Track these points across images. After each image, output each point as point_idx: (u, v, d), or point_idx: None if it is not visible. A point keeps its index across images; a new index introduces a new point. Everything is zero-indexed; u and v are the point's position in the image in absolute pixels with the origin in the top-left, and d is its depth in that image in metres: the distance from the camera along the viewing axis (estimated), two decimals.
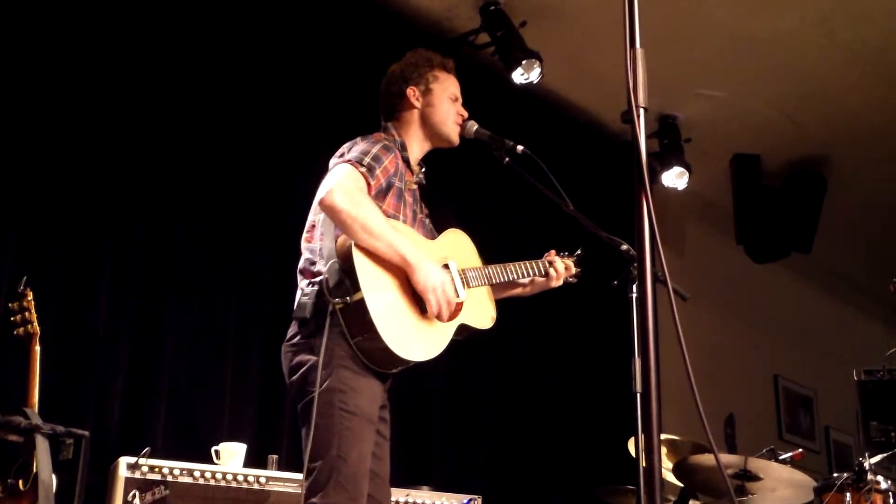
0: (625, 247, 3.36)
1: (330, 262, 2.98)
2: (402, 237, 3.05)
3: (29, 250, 4.19)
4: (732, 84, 6.64)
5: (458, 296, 3.19)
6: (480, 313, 3.32)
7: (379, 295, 2.95)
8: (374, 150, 3.12)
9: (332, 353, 2.95)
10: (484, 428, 5.88)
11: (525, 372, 6.21)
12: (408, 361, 3.02)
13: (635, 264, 2.92)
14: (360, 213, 2.93)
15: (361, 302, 2.90)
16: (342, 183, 2.96)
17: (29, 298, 3.64)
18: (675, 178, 6.83)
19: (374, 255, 2.99)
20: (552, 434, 6.24)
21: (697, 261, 7.80)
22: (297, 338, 3.08)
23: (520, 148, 3.38)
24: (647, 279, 1.99)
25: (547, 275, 3.56)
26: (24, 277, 3.69)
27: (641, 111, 2.05)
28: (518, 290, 3.62)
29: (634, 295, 3.15)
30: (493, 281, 3.38)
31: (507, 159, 3.40)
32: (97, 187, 4.49)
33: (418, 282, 3.01)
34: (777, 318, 8.68)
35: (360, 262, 2.94)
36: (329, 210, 2.97)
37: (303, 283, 3.13)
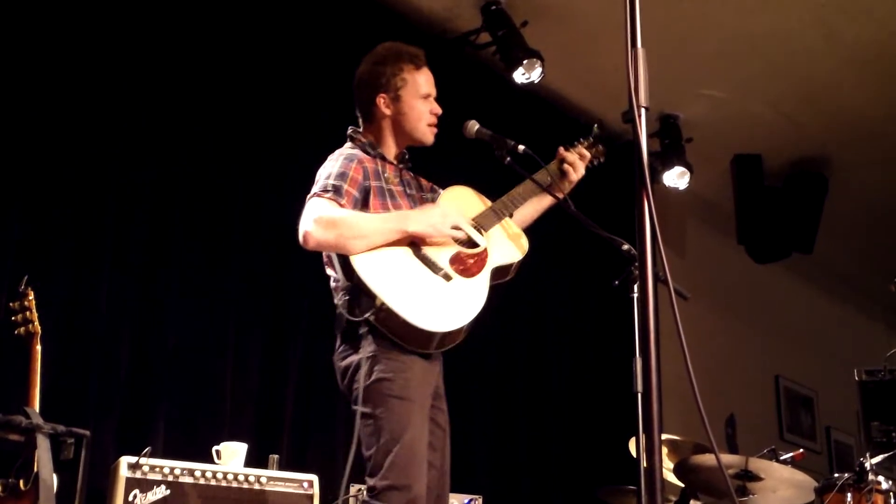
0: (626, 247, 3.35)
1: (344, 285, 3.06)
2: (393, 214, 3.12)
3: (29, 250, 4.19)
4: (734, 84, 6.64)
5: (476, 246, 3.22)
6: (508, 249, 3.33)
7: (396, 289, 2.98)
8: (337, 168, 3.16)
9: (375, 348, 3.00)
10: (485, 428, 5.88)
11: (526, 372, 6.21)
12: (457, 331, 3.06)
13: (636, 264, 2.92)
14: (340, 230, 3.00)
15: (383, 305, 2.95)
16: (312, 218, 3.03)
17: (30, 298, 3.64)
18: (676, 178, 6.83)
19: (375, 257, 3.02)
20: (553, 434, 6.24)
21: (698, 261, 7.80)
22: (342, 347, 3.14)
23: (521, 147, 3.37)
24: (648, 279, 1.99)
25: (564, 174, 3.52)
26: (25, 277, 3.69)
27: (643, 111, 2.04)
28: (547, 202, 3.58)
29: (635, 295, 3.15)
30: (507, 214, 3.39)
31: (508, 159, 3.39)
32: (97, 187, 4.49)
33: (426, 233, 3.08)
34: (778, 318, 8.68)
35: (365, 272, 2.99)
36: (316, 248, 3.06)
37: (336, 298, 3.17)
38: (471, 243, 3.22)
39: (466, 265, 3.17)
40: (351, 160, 3.20)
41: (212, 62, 4.99)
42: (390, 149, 3.38)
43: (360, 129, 3.40)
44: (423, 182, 3.47)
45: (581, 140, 3.66)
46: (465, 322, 3.07)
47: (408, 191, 3.32)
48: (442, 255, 3.14)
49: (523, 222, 3.55)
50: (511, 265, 3.30)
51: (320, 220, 3.01)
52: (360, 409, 2.97)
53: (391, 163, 3.34)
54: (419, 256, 3.11)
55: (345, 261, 3.04)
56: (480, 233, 3.27)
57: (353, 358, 3.05)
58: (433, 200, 3.38)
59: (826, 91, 6.70)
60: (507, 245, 3.34)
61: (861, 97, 6.74)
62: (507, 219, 3.40)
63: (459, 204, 3.34)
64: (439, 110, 3.42)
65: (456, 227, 3.16)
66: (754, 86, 6.66)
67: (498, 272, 3.25)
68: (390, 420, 2.94)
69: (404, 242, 3.10)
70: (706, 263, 7.87)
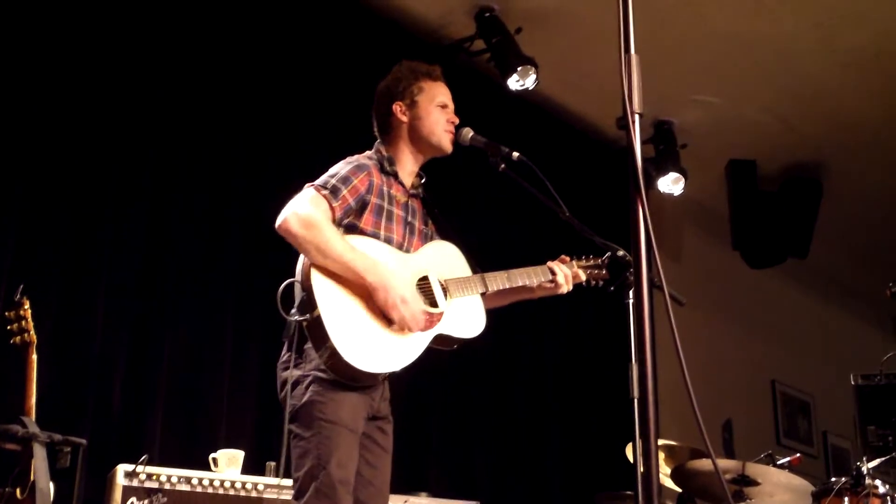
0: (621, 253, 3.36)
1: (297, 283, 3.07)
2: (362, 256, 3.07)
3: (26, 259, 4.19)
4: (728, 90, 6.65)
5: (435, 306, 3.19)
6: (466, 322, 3.28)
7: (337, 311, 2.99)
8: (344, 171, 3.16)
9: (312, 367, 3.03)
10: (482, 434, 5.88)
11: (523, 378, 6.21)
12: (372, 374, 3.04)
13: (632, 270, 2.93)
14: (314, 235, 3.00)
15: (318, 318, 2.96)
16: (298, 208, 3.04)
17: (26, 307, 3.64)
18: (670, 184, 6.84)
19: (335, 275, 3.03)
20: (550, 439, 6.24)
21: (694, 266, 7.81)
22: (286, 356, 3.14)
23: (515, 154, 3.38)
24: (643, 285, 1.99)
25: (553, 281, 3.49)
26: (21, 286, 3.69)
27: (637, 117, 2.05)
28: (525, 295, 3.57)
29: (631, 301, 3.15)
30: (480, 290, 3.35)
31: (502, 166, 3.39)
32: (94, 195, 4.49)
33: (379, 300, 3.03)
34: (774, 323, 8.69)
35: (318, 281, 3.00)
36: (286, 235, 3.04)
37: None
38: (432, 302, 3.20)
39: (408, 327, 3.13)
40: (360, 170, 3.20)
41: (209, 70, 5.00)
42: (406, 166, 3.38)
43: (383, 146, 3.40)
44: (426, 222, 3.45)
45: (589, 256, 3.59)
46: (383, 370, 3.08)
47: (408, 219, 3.32)
48: None
49: (494, 303, 3.52)
50: (458, 339, 3.26)
51: (304, 214, 3.02)
52: (293, 428, 3.03)
53: (401, 184, 3.34)
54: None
55: (305, 264, 3.05)
56: (445, 296, 3.24)
57: (294, 373, 3.06)
58: (427, 237, 3.40)
59: (821, 96, 6.71)
60: (465, 319, 3.28)
61: (856, 102, 6.76)
62: (477, 295, 3.36)
63: (442, 260, 3.33)
64: (456, 119, 3.42)
65: (412, 316, 3.07)
66: (749, 91, 6.68)
67: (443, 339, 3.22)
68: (318, 444, 2.97)
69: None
70: (701, 269, 7.88)
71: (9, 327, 3.61)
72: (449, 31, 5.98)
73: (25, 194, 4.28)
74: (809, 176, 7.58)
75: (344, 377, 3.02)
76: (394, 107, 3.38)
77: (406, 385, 5.38)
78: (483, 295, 3.41)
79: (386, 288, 3.03)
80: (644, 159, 2.02)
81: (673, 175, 6.79)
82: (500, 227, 6.12)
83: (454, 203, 5.87)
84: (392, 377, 3.24)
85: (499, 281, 3.39)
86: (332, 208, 3.07)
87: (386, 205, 3.24)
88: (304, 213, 3.02)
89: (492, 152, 3.40)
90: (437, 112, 3.38)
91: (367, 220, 3.18)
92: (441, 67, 3.51)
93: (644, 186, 2.00)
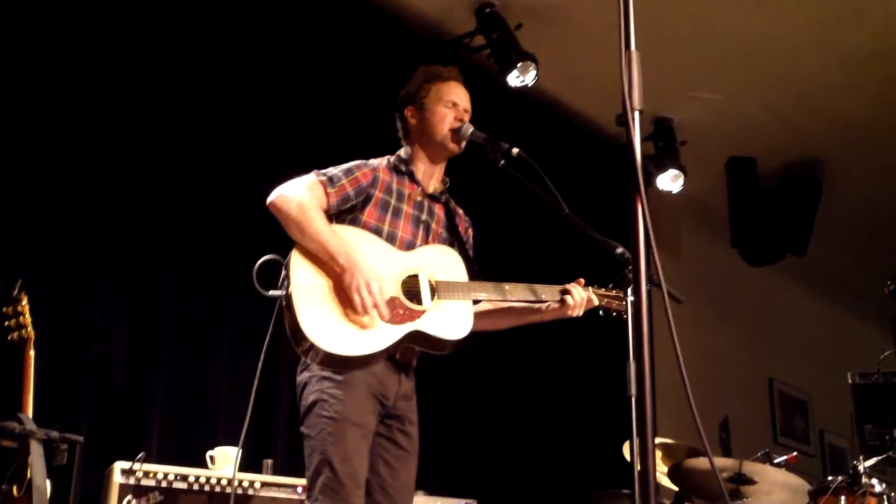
0: (620, 250, 3.35)
1: (283, 263, 3.12)
2: (338, 239, 3.08)
3: (23, 255, 4.19)
4: (727, 87, 6.65)
5: (419, 304, 3.16)
6: (449, 324, 3.21)
7: (308, 291, 3.04)
8: (349, 164, 3.25)
9: (314, 368, 3.08)
10: (479, 432, 5.88)
11: (520, 376, 6.21)
12: (337, 356, 3.01)
13: (630, 267, 2.92)
14: (297, 213, 3.07)
15: (289, 296, 3.01)
16: (291, 187, 3.13)
17: (23, 303, 3.63)
18: (670, 181, 6.84)
19: (315, 256, 3.09)
20: (548, 438, 6.24)
21: (692, 264, 7.81)
22: (301, 361, 3.17)
23: (515, 150, 3.37)
24: (641, 282, 1.98)
25: (563, 302, 3.43)
26: (19, 282, 3.69)
27: (636, 114, 2.04)
28: (531, 318, 3.52)
29: (629, 298, 3.15)
30: (471, 297, 3.30)
31: (502, 162, 3.39)
32: (92, 192, 4.49)
33: (345, 281, 3.04)
34: (772, 321, 8.69)
35: (297, 262, 3.08)
36: (272, 209, 3.13)
37: None
38: (417, 299, 3.17)
39: (395, 313, 3.11)
40: (366, 165, 3.30)
41: (207, 67, 4.99)
42: (421, 167, 3.41)
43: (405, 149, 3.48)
44: (448, 229, 3.44)
45: (610, 287, 3.51)
46: (343, 352, 3.02)
47: (423, 217, 3.34)
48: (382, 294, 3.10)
49: (498, 323, 3.53)
50: (436, 338, 3.17)
51: (294, 193, 3.11)
52: (302, 429, 3.08)
53: (417, 183, 3.36)
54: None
55: (290, 243, 3.10)
56: (433, 296, 3.20)
57: (304, 376, 3.14)
58: (444, 242, 3.41)
59: (820, 94, 6.71)
60: (448, 321, 3.21)
61: (855, 100, 6.75)
62: (469, 302, 3.30)
63: (438, 262, 3.29)
64: (463, 116, 3.43)
65: (374, 303, 3.04)
66: (748, 89, 6.67)
67: (420, 337, 3.15)
68: (323, 441, 3.00)
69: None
70: (700, 266, 7.88)
71: (7, 323, 3.60)
72: (449, 27, 5.97)
73: (24, 190, 4.27)
74: (809, 173, 7.58)
75: (325, 362, 3.03)
76: (406, 111, 3.48)
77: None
78: (476, 303, 3.37)
79: (353, 272, 3.03)
80: (643, 156, 2.01)
81: (672, 172, 6.79)
82: (499, 225, 6.10)
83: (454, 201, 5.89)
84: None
85: (501, 294, 3.34)
86: (326, 194, 3.15)
87: (394, 201, 3.28)
88: (295, 192, 3.12)
89: (491, 148, 3.40)
90: (443, 110, 3.42)
91: (370, 214, 3.23)
92: (458, 68, 3.57)
93: (643, 183, 2.00)
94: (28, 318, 3.62)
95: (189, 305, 4.68)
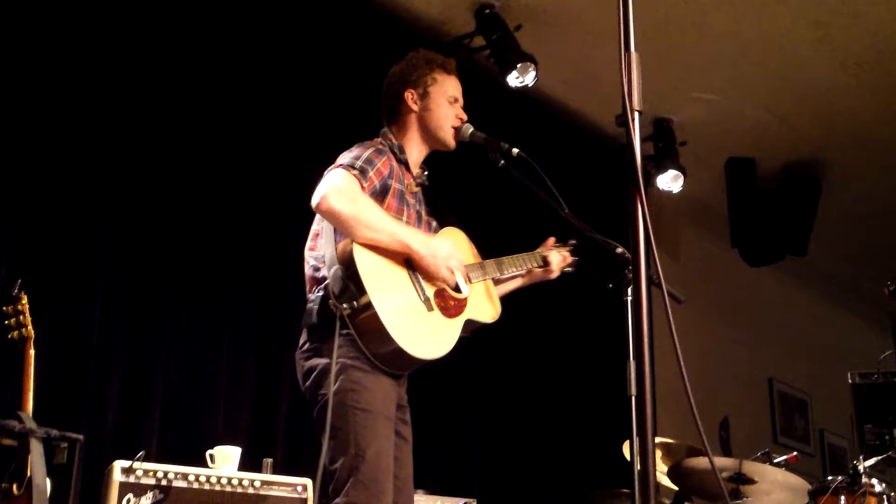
0: (620, 250, 3.36)
1: (333, 269, 2.98)
2: (406, 226, 3.09)
3: (23, 254, 4.18)
4: (727, 88, 6.65)
5: (459, 292, 3.21)
6: (484, 307, 3.32)
7: (386, 296, 2.95)
8: (367, 153, 3.12)
9: (341, 355, 2.94)
10: (479, 431, 5.88)
11: (520, 375, 6.21)
12: (421, 360, 3.01)
13: (630, 267, 2.92)
14: (358, 209, 2.95)
15: (369, 305, 2.90)
16: (336, 185, 2.98)
17: (23, 302, 3.63)
18: (669, 182, 6.84)
19: (376, 256, 2.99)
20: (547, 437, 6.24)
21: (692, 264, 7.81)
22: (307, 344, 3.09)
23: (515, 151, 3.37)
24: (641, 282, 1.99)
25: (546, 264, 3.59)
26: (19, 281, 3.68)
27: (636, 114, 2.05)
28: (518, 283, 3.62)
29: (629, 298, 3.16)
30: (493, 276, 3.39)
31: (502, 162, 3.39)
32: (92, 191, 4.48)
33: (427, 265, 3.04)
34: (772, 321, 8.69)
35: (364, 265, 2.94)
36: (327, 213, 2.98)
37: (309, 291, 3.14)
38: (455, 288, 3.21)
39: (447, 304, 3.15)
40: (381, 154, 3.17)
41: (208, 66, 4.98)
42: (412, 154, 3.37)
43: (390, 133, 3.39)
44: (429, 212, 3.46)
45: (563, 244, 3.73)
46: (433, 356, 3.05)
47: (417, 207, 3.33)
48: (428, 285, 3.13)
49: (501, 292, 3.57)
50: (480, 323, 3.28)
51: (344, 190, 2.96)
52: (326, 420, 2.89)
53: (411, 173, 3.34)
54: (410, 275, 3.08)
55: (344, 247, 2.99)
56: (466, 281, 3.25)
57: (319, 361, 3.00)
58: (432, 228, 3.40)
59: (819, 94, 6.71)
60: (483, 304, 3.32)
61: (854, 101, 6.75)
62: (490, 281, 3.40)
63: (458, 246, 3.29)
64: (465, 116, 3.42)
65: (450, 271, 3.12)
66: (748, 89, 6.67)
67: (468, 325, 3.22)
68: (355, 433, 2.89)
69: (402, 255, 3.07)
70: (700, 267, 7.89)
71: (6, 322, 3.60)
72: (449, 28, 5.97)
73: (24, 189, 4.27)
74: (808, 174, 7.58)
75: (390, 365, 2.99)
76: (406, 94, 3.38)
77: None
78: (494, 281, 3.44)
79: (432, 249, 3.05)
80: (643, 157, 2.02)
81: (672, 173, 6.79)
82: (498, 224, 6.10)
83: (453, 200, 5.88)
84: None
85: (509, 266, 3.45)
86: (362, 187, 3.03)
87: (404, 191, 3.25)
88: (344, 188, 2.97)
89: (491, 148, 3.41)
90: (446, 106, 3.39)
91: (389, 205, 3.16)
92: (456, 61, 3.51)
93: (643, 184, 2.00)
94: (28, 317, 3.61)
95: (189, 302, 4.68)
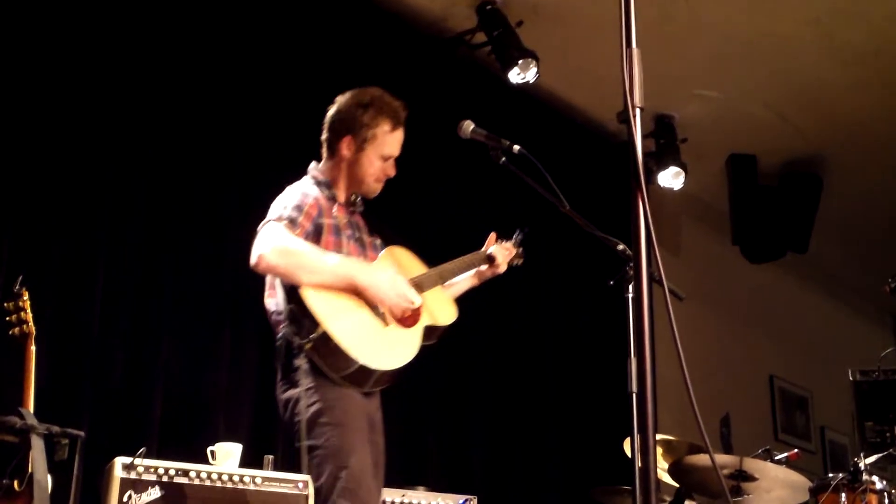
0: (621, 247, 3.36)
1: (286, 309, 3.14)
2: (345, 261, 3.20)
3: (24, 250, 4.18)
4: (729, 84, 6.65)
5: (414, 302, 3.30)
6: (440, 311, 3.44)
7: (339, 321, 3.09)
8: (294, 200, 3.27)
9: (310, 382, 3.11)
10: (480, 428, 5.88)
11: (521, 372, 6.21)
12: (385, 372, 3.15)
13: (631, 264, 2.93)
14: (294, 259, 3.10)
15: (325, 333, 3.05)
16: (268, 241, 3.13)
17: (24, 298, 3.62)
18: (671, 178, 6.83)
19: (325, 288, 3.13)
20: (548, 434, 6.24)
21: (693, 261, 7.81)
22: (282, 380, 3.23)
23: (516, 147, 3.38)
24: (642, 279, 1.99)
25: (491, 261, 3.71)
26: (20, 277, 3.68)
27: (637, 111, 2.05)
28: (470, 283, 3.74)
29: (630, 295, 3.16)
30: (443, 281, 3.51)
31: (503, 159, 3.40)
32: (92, 187, 4.48)
33: (371, 293, 3.16)
34: (773, 318, 8.69)
35: (313, 299, 3.09)
36: (267, 271, 3.17)
37: (276, 334, 3.27)
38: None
39: (402, 316, 3.27)
40: (308, 195, 3.31)
41: (204, 66, 4.97)
42: (342, 191, 3.47)
43: (320, 166, 3.49)
44: (371, 233, 3.56)
45: (506, 239, 3.85)
46: (396, 366, 3.18)
47: (355, 234, 3.42)
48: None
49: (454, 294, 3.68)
50: (440, 327, 3.40)
51: (276, 246, 3.10)
52: (304, 443, 3.07)
53: (342, 205, 3.43)
54: (363, 296, 3.20)
55: (291, 288, 3.12)
56: (418, 292, 3.35)
57: (293, 392, 3.14)
58: (378, 248, 3.51)
59: (821, 91, 6.71)
60: (439, 308, 3.44)
61: (855, 98, 6.75)
62: (440, 286, 3.51)
63: (399, 264, 3.44)
64: (393, 173, 3.49)
65: (399, 294, 3.23)
66: (749, 86, 6.67)
67: (429, 331, 3.36)
68: (335, 448, 3.04)
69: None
70: (701, 263, 7.88)
71: (7, 318, 3.59)
72: (450, 24, 5.97)
73: (25, 185, 4.27)
74: (809, 171, 7.58)
75: (360, 383, 3.13)
76: (343, 139, 3.44)
77: (404, 379, 5.39)
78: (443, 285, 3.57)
79: (377, 282, 3.16)
80: (644, 153, 2.02)
81: (673, 169, 6.79)
82: (497, 221, 6.09)
83: (454, 197, 5.89)
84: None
85: (450, 272, 3.57)
86: (295, 234, 3.18)
87: (338, 224, 3.35)
88: (276, 243, 3.11)
89: (492, 145, 3.41)
90: (377, 164, 3.43)
91: (327, 242, 3.28)
92: (407, 112, 3.49)
93: (644, 180, 2.00)
94: (29, 314, 3.61)
95: (189, 300, 4.68)
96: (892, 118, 6.91)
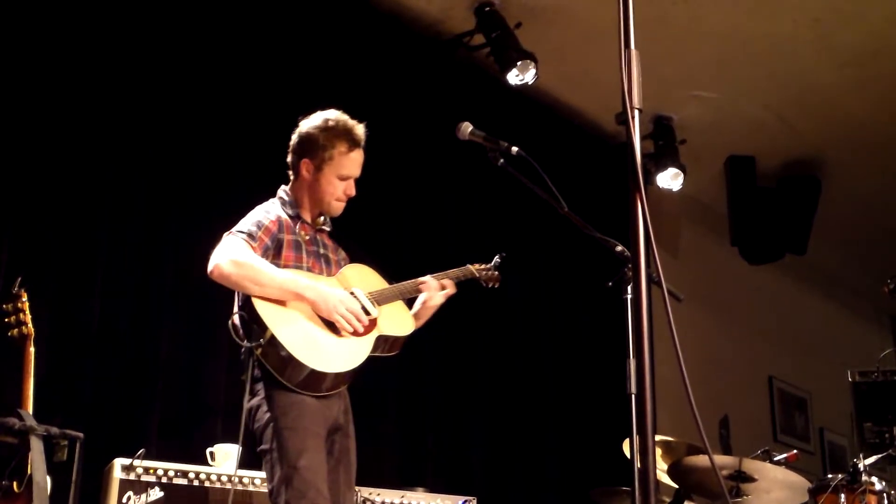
0: (619, 248, 3.35)
1: (238, 317, 3.27)
2: (295, 276, 3.30)
3: (23, 252, 4.19)
4: (727, 86, 6.65)
5: (369, 314, 3.40)
6: (398, 322, 3.52)
7: (287, 327, 3.21)
8: (256, 217, 3.41)
9: (266, 389, 3.25)
10: (479, 429, 5.88)
11: (520, 373, 6.21)
12: (334, 374, 3.25)
13: (630, 265, 2.92)
14: (244, 270, 3.22)
15: (273, 338, 3.17)
16: (224, 252, 3.26)
17: (23, 300, 3.63)
18: (669, 180, 6.84)
19: (275, 300, 3.25)
20: (547, 435, 6.24)
21: (692, 262, 7.81)
22: (248, 392, 3.32)
23: (514, 149, 3.38)
24: (641, 280, 1.99)
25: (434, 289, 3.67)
26: (19, 279, 3.69)
27: (636, 112, 2.05)
28: (436, 303, 3.69)
29: (629, 296, 3.15)
30: (400, 296, 3.58)
31: (501, 161, 3.39)
32: (91, 189, 4.49)
33: (320, 308, 3.27)
34: (771, 319, 8.69)
35: (262, 306, 3.21)
36: (219, 279, 3.25)
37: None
38: (364, 311, 3.40)
39: (355, 329, 3.34)
40: (269, 213, 3.44)
41: (204, 67, 4.98)
42: (306, 210, 3.57)
43: (287, 187, 3.61)
44: (337, 249, 3.64)
45: (482, 264, 3.86)
46: (344, 369, 3.27)
47: (321, 251, 3.52)
48: None
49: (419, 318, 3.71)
50: (396, 337, 3.48)
51: (230, 257, 3.23)
52: (260, 447, 3.21)
53: (307, 223, 3.54)
54: (314, 309, 3.31)
55: (245, 297, 3.26)
56: (374, 305, 3.45)
57: (254, 401, 3.27)
58: (345, 262, 3.61)
59: (819, 93, 6.71)
60: (396, 320, 3.52)
61: (854, 100, 6.75)
62: (401, 301, 3.59)
63: (362, 277, 3.56)
64: (353, 193, 3.58)
65: (354, 314, 3.32)
66: (748, 88, 6.68)
67: (384, 341, 3.44)
68: (286, 450, 3.14)
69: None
70: (699, 265, 7.88)
71: (6, 320, 3.60)
72: (448, 26, 5.97)
73: (24, 187, 4.27)
74: (808, 173, 7.58)
75: (312, 388, 3.22)
76: (302, 161, 3.56)
77: (403, 380, 5.39)
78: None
79: (324, 298, 3.27)
80: (643, 155, 2.02)
81: (672, 171, 6.79)
82: (496, 224, 6.10)
83: (453, 199, 5.89)
84: (356, 382, 3.39)
85: (406, 290, 3.62)
86: (252, 248, 3.29)
87: (300, 240, 3.46)
88: (231, 255, 3.23)
89: (491, 147, 3.41)
90: (336, 184, 3.54)
91: (287, 257, 3.40)
92: (365, 133, 3.59)
93: (643, 182, 2.00)
94: (28, 315, 3.63)
95: (188, 300, 4.68)
96: (890, 120, 6.91)
